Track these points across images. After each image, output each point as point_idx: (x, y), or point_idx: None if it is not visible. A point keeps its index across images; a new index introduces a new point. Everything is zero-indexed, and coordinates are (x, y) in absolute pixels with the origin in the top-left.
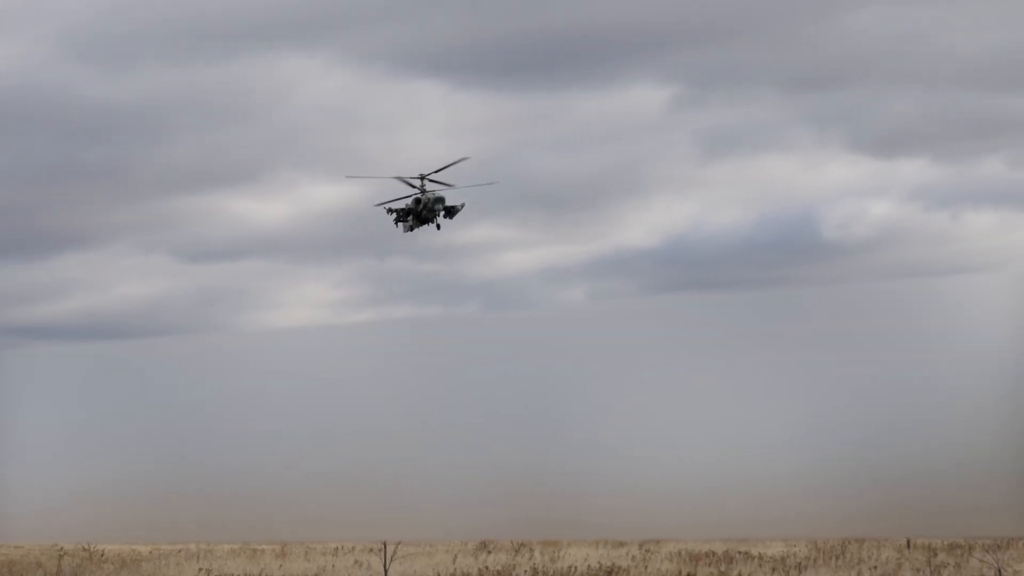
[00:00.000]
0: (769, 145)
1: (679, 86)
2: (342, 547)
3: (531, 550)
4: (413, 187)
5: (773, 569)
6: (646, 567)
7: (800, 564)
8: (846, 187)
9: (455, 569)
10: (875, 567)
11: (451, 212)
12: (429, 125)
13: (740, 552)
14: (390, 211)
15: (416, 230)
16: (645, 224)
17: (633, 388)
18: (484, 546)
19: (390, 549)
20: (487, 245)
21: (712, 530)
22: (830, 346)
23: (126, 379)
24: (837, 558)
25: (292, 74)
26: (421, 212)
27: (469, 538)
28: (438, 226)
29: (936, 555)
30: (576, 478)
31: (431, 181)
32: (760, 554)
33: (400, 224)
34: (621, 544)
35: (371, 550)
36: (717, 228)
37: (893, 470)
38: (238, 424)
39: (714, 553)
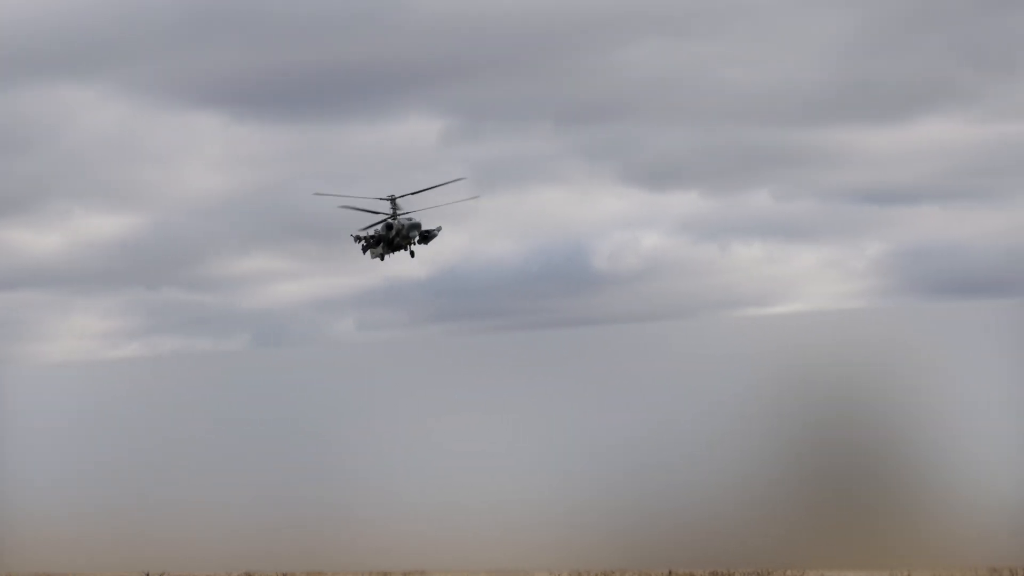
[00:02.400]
0: (542, 177)
1: (453, 118)
2: None
3: None
4: (377, 212)
5: None
6: None
7: None
8: (617, 219)
9: None
10: None
11: (427, 237)
12: (206, 157)
13: None
14: (358, 239)
15: (387, 257)
16: (417, 256)
17: (399, 418)
18: None
19: None
20: (259, 276)
21: (477, 561)
22: (595, 381)
23: None
24: None
25: (68, 105)
26: (394, 239)
27: (233, 569)
28: (412, 253)
29: None
30: (341, 508)
31: (397, 205)
32: None
33: (368, 252)
34: (386, 574)
35: None
36: (489, 259)
37: (655, 503)
38: None
39: None
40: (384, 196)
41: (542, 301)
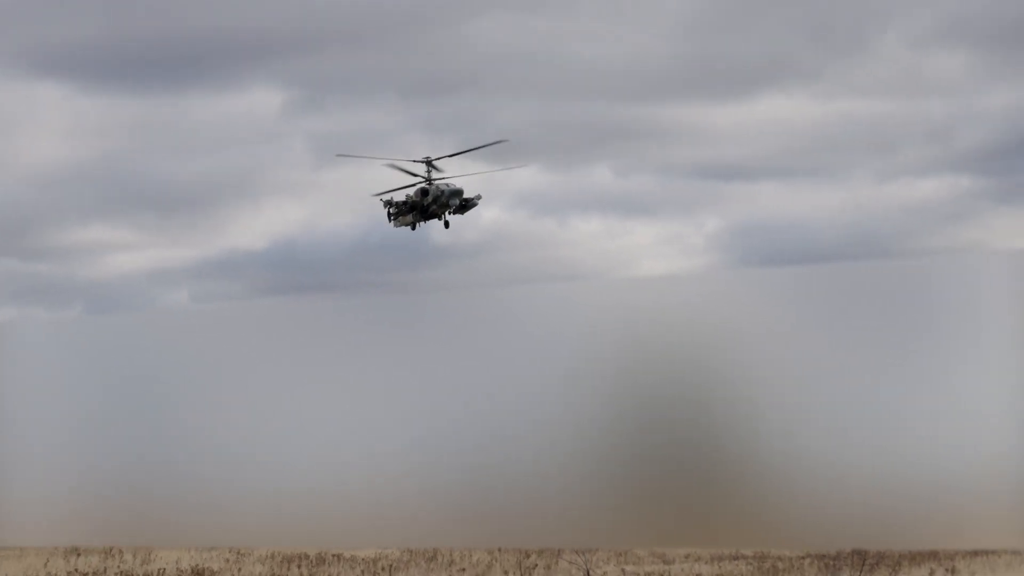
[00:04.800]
0: (383, 151)
1: (295, 90)
2: None
3: (121, 552)
4: (415, 175)
5: (363, 572)
6: (239, 569)
7: (392, 566)
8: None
9: (46, 573)
10: (464, 569)
11: (465, 207)
12: (49, 127)
13: (333, 555)
14: (388, 203)
15: (418, 227)
16: (256, 227)
17: (230, 392)
18: (75, 550)
19: None
20: (97, 247)
21: (302, 538)
22: (431, 354)
23: None
24: (430, 560)
25: None
26: (430, 206)
27: (60, 543)
28: (446, 224)
29: (528, 557)
30: (169, 481)
31: (434, 168)
32: (352, 556)
33: (395, 220)
34: (212, 549)
35: None
36: (329, 232)
37: (484, 479)
38: None
39: (307, 556)
40: (419, 159)
41: (381, 274)
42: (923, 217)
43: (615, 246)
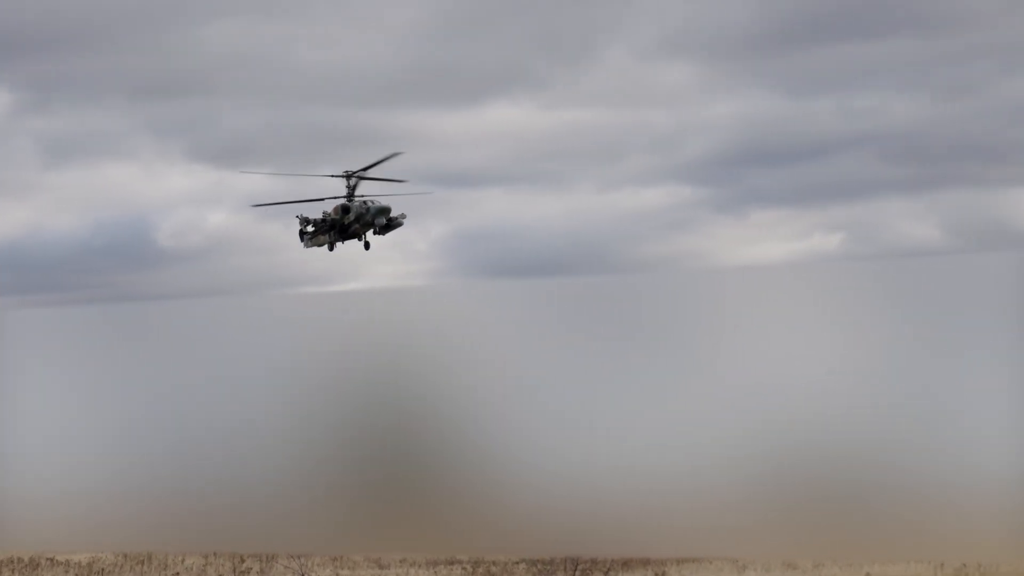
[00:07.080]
0: (110, 153)
1: (22, 91)
2: None
3: None
4: (321, 199)
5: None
6: None
7: (106, 570)
8: (184, 196)
9: None
10: (178, 573)
11: (389, 226)
12: None
13: (46, 559)
14: (306, 221)
15: (336, 247)
16: (338, 248)
17: None
18: None
19: None
20: None
21: (15, 540)
22: (146, 359)
23: None
24: (143, 563)
25: None
26: (351, 225)
27: None
28: (367, 244)
29: (243, 561)
30: None
31: (362, 178)
32: (67, 560)
33: (309, 239)
34: None
35: None
36: (53, 234)
37: (198, 482)
38: None
39: (20, 559)
40: (338, 173)
41: (105, 276)
42: (645, 225)
43: (339, 250)
